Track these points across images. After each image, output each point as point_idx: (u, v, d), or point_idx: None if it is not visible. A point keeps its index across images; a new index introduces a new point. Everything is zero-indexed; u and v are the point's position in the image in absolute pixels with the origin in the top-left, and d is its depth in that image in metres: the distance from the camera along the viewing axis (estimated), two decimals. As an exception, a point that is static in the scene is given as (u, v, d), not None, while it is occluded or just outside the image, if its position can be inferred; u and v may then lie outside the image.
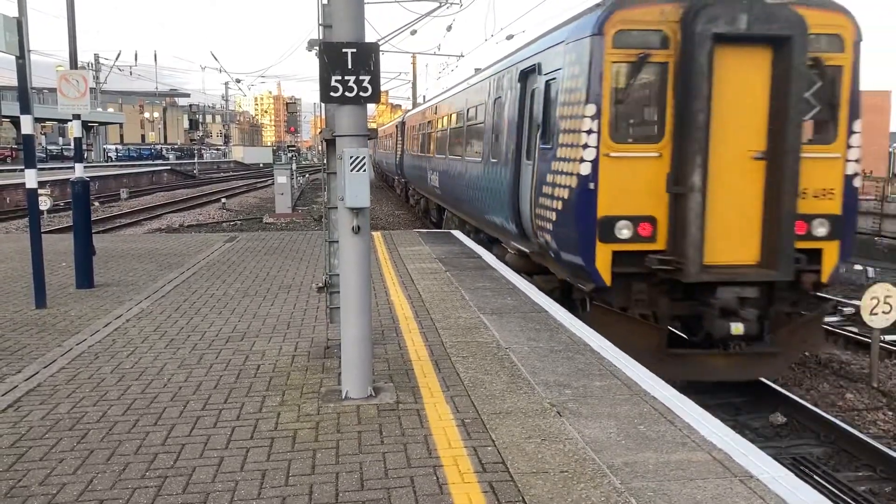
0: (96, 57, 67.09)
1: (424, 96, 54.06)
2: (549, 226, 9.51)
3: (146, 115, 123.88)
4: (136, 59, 72.01)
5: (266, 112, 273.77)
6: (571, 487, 4.15)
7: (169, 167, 66.48)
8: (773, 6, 8.22)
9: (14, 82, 8.91)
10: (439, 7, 26.67)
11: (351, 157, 5.35)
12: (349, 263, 5.58)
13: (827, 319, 13.13)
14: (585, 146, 8.55)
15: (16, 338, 7.50)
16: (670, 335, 8.99)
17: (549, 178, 9.49)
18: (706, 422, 5.16)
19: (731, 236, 8.51)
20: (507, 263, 11.69)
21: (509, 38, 33.23)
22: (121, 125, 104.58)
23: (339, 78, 5.30)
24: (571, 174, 8.81)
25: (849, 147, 8.87)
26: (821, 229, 8.86)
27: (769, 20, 8.12)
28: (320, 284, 6.86)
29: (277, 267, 11.79)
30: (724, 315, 8.35)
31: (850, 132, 8.86)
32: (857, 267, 17.53)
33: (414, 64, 60.65)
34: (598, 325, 8.05)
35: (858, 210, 9.49)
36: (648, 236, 8.57)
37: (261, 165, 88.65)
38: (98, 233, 18.26)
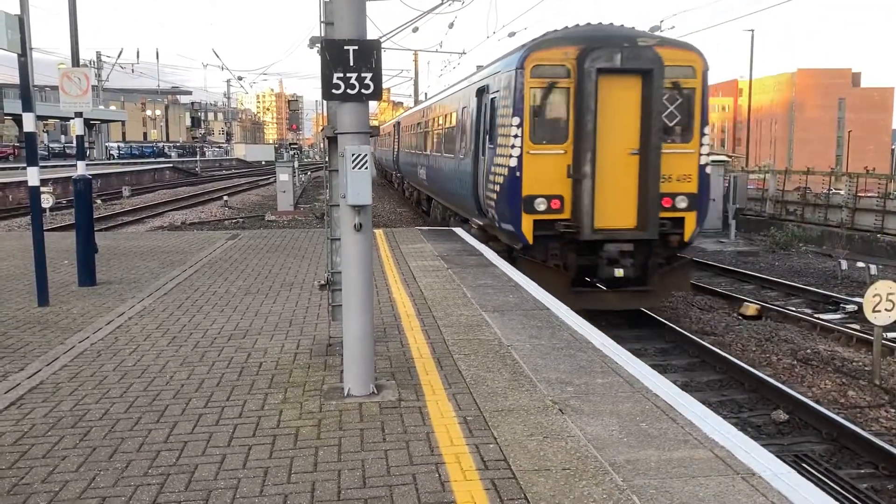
0: (98, 55, 67.17)
1: (426, 94, 54.06)
2: (493, 203, 12.71)
3: (148, 112, 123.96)
4: (137, 57, 72.21)
5: (268, 109, 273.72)
6: (573, 485, 4.15)
7: (171, 165, 66.53)
8: (640, 47, 11.62)
9: (16, 80, 8.91)
10: (441, 4, 26.62)
11: (353, 155, 5.35)
12: (351, 261, 5.58)
13: (828, 317, 13.19)
14: (513, 146, 11.92)
15: (18, 335, 7.51)
16: (575, 278, 12.16)
17: (493, 168, 12.72)
18: (708, 419, 5.16)
19: (615, 208, 11.79)
20: (473, 235, 15.05)
21: (511, 35, 33.15)
22: (123, 123, 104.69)
23: (341, 75, 5.30)
24: (505, 166, 12.08)
25: (701, 145, 12.24)
26: (682, 203, 12.17)
27: (637, 58, 11.55)
28: (322, 282, 6.86)
29: (279, 264, 11.79)
30: (609, 263, 11.82)
31: (702, 134, 12.24)
32: (860, 264, 17.52)
33: (416, 61, 60.63)
34: (526, 272, 10.85)
35: (709, 188, 12.70)
36: (558, 209, 11.92)
37: (263, 163, 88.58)
38: (100, 230, 18.26)
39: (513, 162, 11.92)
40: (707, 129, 12.37)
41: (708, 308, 14.16)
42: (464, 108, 16.14)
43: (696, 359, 10.69)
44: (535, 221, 11.90)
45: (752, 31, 47.77)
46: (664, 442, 4.73)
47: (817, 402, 8.82)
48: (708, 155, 12.41)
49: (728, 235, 25.24)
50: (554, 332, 7.47)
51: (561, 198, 11.90)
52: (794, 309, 13.85)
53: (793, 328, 12.39)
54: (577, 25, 12.96)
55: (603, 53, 11.51)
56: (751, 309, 13.54)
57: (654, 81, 11.53)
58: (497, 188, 12.45)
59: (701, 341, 11.04)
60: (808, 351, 11.00)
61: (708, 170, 12.43)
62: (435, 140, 20.95)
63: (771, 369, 10.24)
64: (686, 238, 12.29)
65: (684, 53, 12.13)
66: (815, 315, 13.38)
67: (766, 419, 8.47)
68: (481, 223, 14.48)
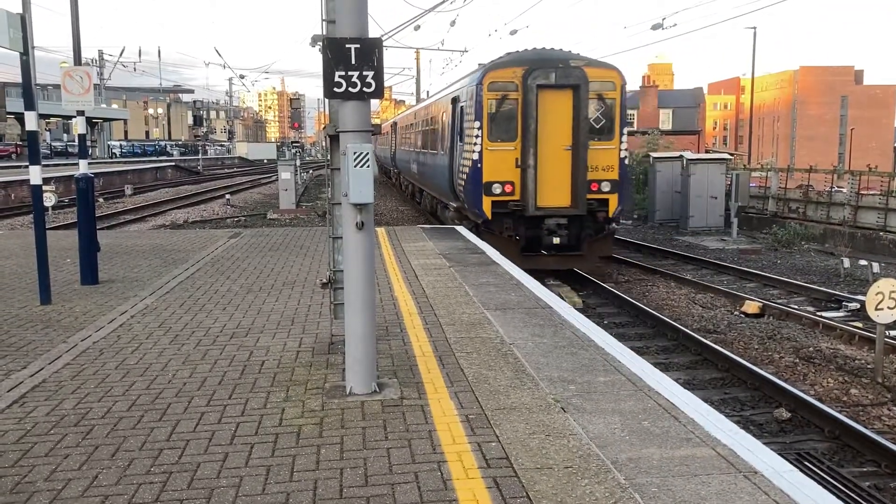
0: (100, 53, 67.15)
1: (428, 92, 54.08)
2: (462, 189, 16.10)
3: (150, 111, 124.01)
4: (139, 56, 72.18)
5: (270, 108, 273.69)
6: (576, 483, 4.15)
7: (173, 163, 66.54)
8: (571, 67, 14.91)
9: (18, 79, 8.91)
10: (443, 2, 26.60)
11: (355, 153, 5.34)
12: (353, 259, 5.58)
13: (830, 315, 13.17)
14: (476, 143, 15.18)
15: (21, 334, 7.52)
16: (524, 246, 15.28)
17: (462, 162, 16.07)
18: (710, 417, 5.16)
19: (553, 191, 15.06)
20: (450, 218, 18.34)
21: (513, 32, 33.10)
22: (125, 121, 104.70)
23: (343, 74, 5.30)
24: (470, 159, 15.40)
25: (621, 142, 15.45)
26: (606, 188, 15.32)
27: (568, 76, 14.84)
28: (324, 280, 6.86)
29: (281, 263, 11.80)
30: (549, 234, 15.11)
31: (621, 133, 15.51)
32: (862, 262, 17.49)
33: (417, 59, 60.53)
34: (488, 242, 14.11)
35: (629, 176, 16.47)
36: (510, 192, 15.14)
37: (265, 161, 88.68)
38: (102, 229, 18.28)
39: (475, 156, 15.30)
40: (625, 130, 15.79)
41: (710, 306, 14.15)
42: (443, 112, 19.34)
43: (697, 357, 10.68)
44: (493, 202, 15.21)
45: (755, 28, 47.65)
46: (666, 440, 4.73)
47: (820, 400, 8.81)
48: (626, 150, 15.88)
49: (730, 233, 25.21)
50: (556, 330, 7.47)
51: (512, 183, 15.19)
52: (796, 307, 13.84)
53: (795, 326, 12.37)
54: (526, 50, 16.58)
55: (541, 73, 14.83)
56: (753, 307, 13.52)
57: (582, 94, 14.84)
58: (465, 177, 15.90)
59: (703, 339, 11.03)
60: (811, 349, 10.98)
61: (626, 161, 16.06)
62: (423, 139, 24.11)
63: (773, 367, 10.23)
64: (610, 214, 15.63)
65: (606, 72, 15.48)
66: (818, 313, 13.36)
67: (769, 417, 8.46)
68: (456, 206, 17.76)
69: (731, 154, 43.39)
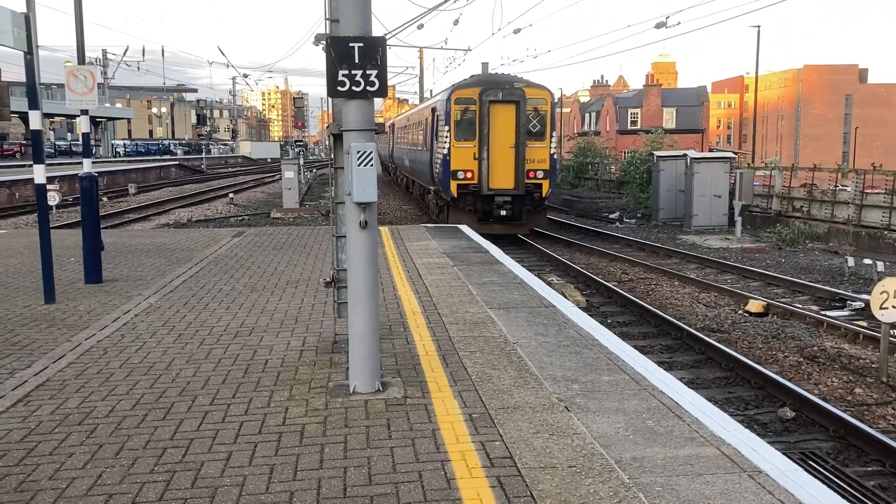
0: (104, 52, 67.26)
1: (431, 91, 54.19)
2: (437, 176, 21.56)
3: (154, 110, 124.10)
4: (143, 55, 72.03)
5: (273, 107, 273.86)
6: (579, 482, 4.14)
7: (177, 162, 66.58)
8: (513, 88, 20.02)
9: (22, 78, 8.92)
10: (446, 1, 26.59)
11: (358, 152, 5.34)
12: (357, 258, 5.58)
13: (835, 314, 13.14)
14: (445, 142, 20.39)
15: (25, 332, 7.53)
16: (480, 217, 20.34)
17: (437, 156, 21.56)
18: (715, 417, 5.15)
19: (500, 177, 20.16)
20: (431, 200, 24.69)
21: (517, 31, 33.07)
22: (129, 120, 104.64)
23: (347, 72, 5.30)
24: (442, 154, 20.68)
25: (550, 143, 20.44)
26: (540, 175, 20.36)
27: (511, 94, 19.95)
28: (328, 279, 6.84)
29: (285, 262, 11.80)
30: (498, 208, 20.24)
31: (551, 136, 20.54)
32: (867, 261, 17.45)
33: (421, 58, 60.52)
34: (455, 213, 20.10)
35: (557, 167, 22.38)
36: (470, 178, 20.20)
37: (268, 160, 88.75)
38: (106, 228, 18.30)
39: (445, 151, 20.63)
40: (555, 134, 21.16)
41: (714, 305, 14.13)
42: (426, 119, 24.87)
43: (701, 356, 10.66)
44: (458, 185, 20.44)
45: (759, 27, 47.49)
46: (670, 439, 4.72)
47: (824, 399, 8.79)
48: (555, 148, 21.18)
49: (734, 232, 25.17)
50: (560, 329, 7.46)
51: (472, 171, 20.39)
52: (800, 306, 13.81)
53: (799, 325, 12.35)
54: (482, 74, 24.41)
55: (492, 92, 20.26)
56: (757, 306, 13.50)
57: (521, 107, 20.15)
58: (438, 166, 21.37)
59: (706, 338, 11.01)
60: (815, 348, 10.96)
61: (555, 156, 21.29)
62: (412, 139, 29.69)
63: (777, 366, 10.21)
64: (543, 195, 20.86)
65: (540, 91, 20.67)
66: (822, 312, 13.33)
67: (773, 416, 8.45)
68: (433, 189, 23.53)
69: (735, 153, 43.30)
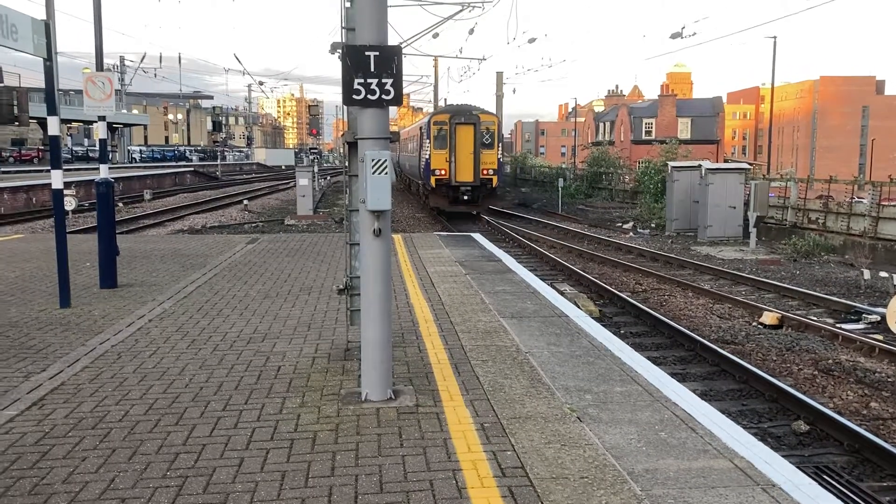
0: (122, 59, 67.81)
1: (445, 99, 54.77)
2: (423, 173, 31.88)
3: (170, 116, 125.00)
4: (160, 62, 72.61)
5: (288, 114, 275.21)
6: (591, 493, 4.12)
7: (192, 169, 66.96)
8: (472, 114, 30.66)
9: (41, 84, 9.02)
10: (461, 10, 26.72)
11: (373, 160, 5.36)
12: (370, 266, 5.60)
13: (850, 327, 13.03)
14: (427, 150, 30.72)
15: (41, 336, 7.59)
16: (450, 200, 30.55)
17: (423, 160, 31.85)
18: (728, 429, 5.12)
19: (464, 173, 30.13)
20: (421, 191, 35.03)
21: (531, 41, 33.14)
22: (145, 127, 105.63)
23: (362, 81, 5.32)
24: (427, 159, 30.83)
25: (498, 151, 30.82)
26: (490, 172, 30.29)
27: (471, 119, 30.41)
28: (341, 286, 6.86)
29: (298, 269, 11.84)
30: (462, 194, 30.26)
31: (499, 147, 30.99)
32: (883, 274, 17.31)
33: (436, 67, 60.66)
34: (434, 198, 31.13)
35: (502, 167, 35.22)
36: (444, 174, 30.26)
37: (283, 167, 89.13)
38: (122, 233, 18.44)
39: (427, 156, 30.46)
40: (500, 144, 31.16)
41: (728, 316, 14.05)
42: (418, 134, 34.43)
43: (715, 368, 10.60)
44: (435, 179, 30.09)
45: (775, 38, 47.30)
46: (683, 451, 4.70)
47: (839, 413, 8.72)
48: (501, 155, 31.34)
49: (748, 244, 25.04)
50: (573, 339, 7.44)
51: (445, 169, 30.02)
52: (815, 318, 13.71)
53: (814, 338, 12.26)
54: (453, 105, 34.11)
55: (458, 117, 30.15)
56: (771, 318, 13.41)
57: (478, 127, 29.89)
58: (423, 167, 31.23)
59: (720, 350, 10.95)
60: (830, 361, 10.87)
61: (501, 160, 31.61)
62: (411, 148, 39.31)
63: (792, 379, 10.14)
64: (493, 186, 30.72)
65: (490, 116, 31.17)
66: (837, 325, 13.23)
67: (787, 430, 8.38)
68: (422, 183, 33.22)
69: (751, 164, 43.10)
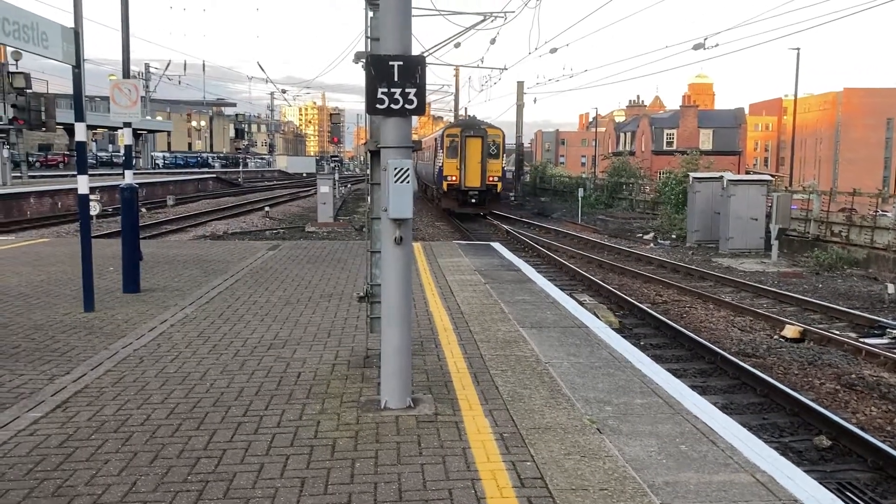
0: (146, 66, 68.62)
1: (466, 108, 55.22)
2: (437, 178, 38.40)
3: (193, 123, 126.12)
4: (184, 69, 73.33)
5: (310, 122, 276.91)
6: (611, 505, 4.10)
7: (214, 175, 67.55)
8: (480, 128, 36.19)
9: (65, 90, 9.14)
10: (483, 20, 26.75)
11: (395, 169, 5.39)
12: (391, 274, 5.62)
13: (874, 341, 12.88)
14: (440, 159, 36.64)
15: (65, 339, 7.68)
16: (459, 203, 36.04)
17: (437, 167, 38.12)
18: (749, 443, 5.08)
19: (472, 179, 35.43)
20: (435, 195, 40.66)
21: (553, 51, 33.15)
22: (168, 133, 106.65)
23: (386, 90, 5.35)
24: (440, 166, 36.70)
25: (502, 161, 37.54)
26: (495, 179, 35.87)
27: (479, 132, 35.73)
28: (361, 294, 6.89)
29: (319, 275, 11.89)
30: (471, 197, 35.78)
31: (502, 157, 37.32)
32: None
33: (457, 77, 60.91)
34: (445, 201, 36.75)
35: (505, 174, 44.39)
36: (455, 179, 35.61)
37: (304, 175, 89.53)
38: (145, 238, 18.61)
39: (440, 164, 35.93)
40: (504, 156, 37.70)
41: (749, 329, 13.94)
42: (434, 144, 39.14)
43: (736, 381, 10.51)
44: (447, 184, 35.12)
45: (798, 49, 46.96)
46: (704, 465, 4.67)
47: (862, 428, 8.61)
48: (504, 164, 38.63)
49: (770, 256, 24.83)
50: (592, 350, 7.42)
51: (456, 175, 35.12)
52: (837, 332, 13.56)
53: (837, 352, 12.12)
54: (463, 118, 49.99)
55: (468, 130, 35.64)
56: (793, 331, 13.28)
57: (485, 139, 35.00)
58: (437, 173, 37.15)
59: (741, 363, 10.86)
60: (853, 376, 10.75)
61: (504, 168, 40.44)
62: (426, 156, 44.15)
63: (813, 393, 10.03)
64: (498, 191, 36.31)
65: (496, 130, 36.16)
66: (861, 339, 13.08)
67: (809, 445, 8.29)
68: (434, 186, 39.35)
69: (773, 176, 42.78)
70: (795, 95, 50.10)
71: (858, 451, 7.97)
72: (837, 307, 15.83)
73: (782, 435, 8.63)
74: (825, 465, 7.81)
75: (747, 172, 59.03)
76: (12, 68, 35.89)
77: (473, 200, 35.36)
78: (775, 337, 13.35)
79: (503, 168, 37.26)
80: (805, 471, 4.84)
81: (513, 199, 50.44)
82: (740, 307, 15.71)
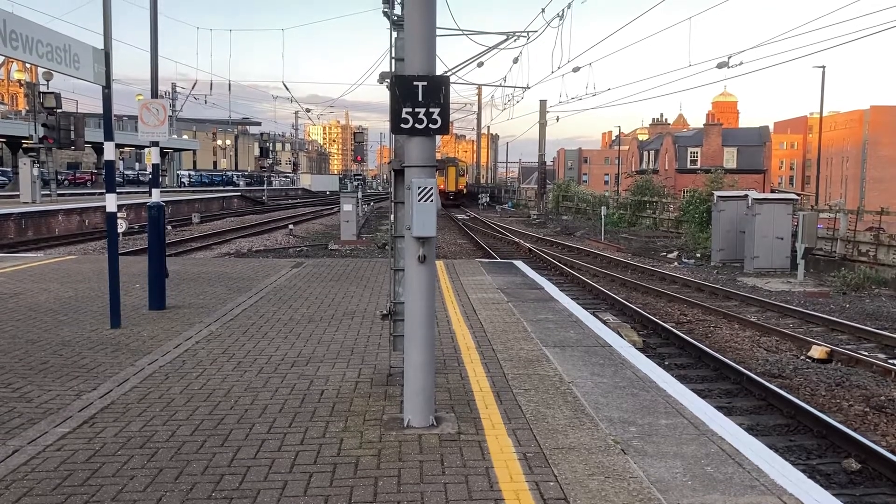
0: (173, 86, 69.60)
1: (489, 127, 56.67)
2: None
3: (219, 142, 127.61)
4: (210, 89, 74.29)
5: (334, 141, 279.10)
6: (635, 527, 4.07)
7: (239, 193, 68.19)
8: (454, 160, 75.92)
9: (95, 109, 9.31)
10: (506, 40, 26.88)
11: (419, 188, 5.43)
12: (414, 292, 5.64)
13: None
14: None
15: (92, 356, 7.77)
16: (443, 203, 59.32)
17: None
18: (776, 465, 5.01)
19: (451, 186, 71.03)
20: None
21: (576, 70, 33.19)
22: (194, 151, 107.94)
23: (410, 110, 5.40)
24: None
25: (466, 177, 78.55)
26: (462, 188, 74.10)
27: (452, 162, 74.04)
28: (384, 312, 6.92)
29: (342, 293, 11.95)
30: (450, 197, 69.90)
31: (466, 175, 78.67)
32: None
33: (479, 96, 61.25)
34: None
35: (468, 185, 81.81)
36: (442, 187, 66.01)
37: (327, 193, 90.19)
38: (170, 256, 18.80)
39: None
40: (468, 176, 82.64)
41: (775, 349, 13.77)
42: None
43: (762, 402, 10.38)
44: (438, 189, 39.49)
45: (823, 67, 46.71)
46: (730, 486, 4.61)
47: (892, 452, 8.45)
48: (465, 179, 77.51)
49: (796, 276, 24.57)
50: (616, 369, 7.37)
51: (442, 184, 66.11)
52: (866, 353, 13.35)
53: (865, 373, 11.94)
54: (445, 156, 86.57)
55: (448, 162, 72.89)
56: (820, 351, 13.10)
57: (457, 166, 72.96)
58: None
59: (767, 384, 10.72)
60: (882, 398, 10.58)
61: (469, 181, 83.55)
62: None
63: (842, 415, 9.88)
64: (465, 193, 73.77)
65: (463, 161, 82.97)
66: (890, 360, 12.87)
67: (837, 468, 8.16)
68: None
69: (798, 194, 42.41)
70: (821, 113, 49.74)
71: (889, 475, 7.83)
72: (865, 327, 15.60)
73: (810, 457, 8.50)
74: (854, 489, 7.68)
75: (772, 191, 58.55)
76: (43, 88, 36.61)
77: (451, 198, 66.62)
78: (802, 357, 13.18)
79: (467, 182, 76.02)
80: (834, 494, 4.77)
81: (535, 217, 50.40)
82: (766, 327, 15.53)
